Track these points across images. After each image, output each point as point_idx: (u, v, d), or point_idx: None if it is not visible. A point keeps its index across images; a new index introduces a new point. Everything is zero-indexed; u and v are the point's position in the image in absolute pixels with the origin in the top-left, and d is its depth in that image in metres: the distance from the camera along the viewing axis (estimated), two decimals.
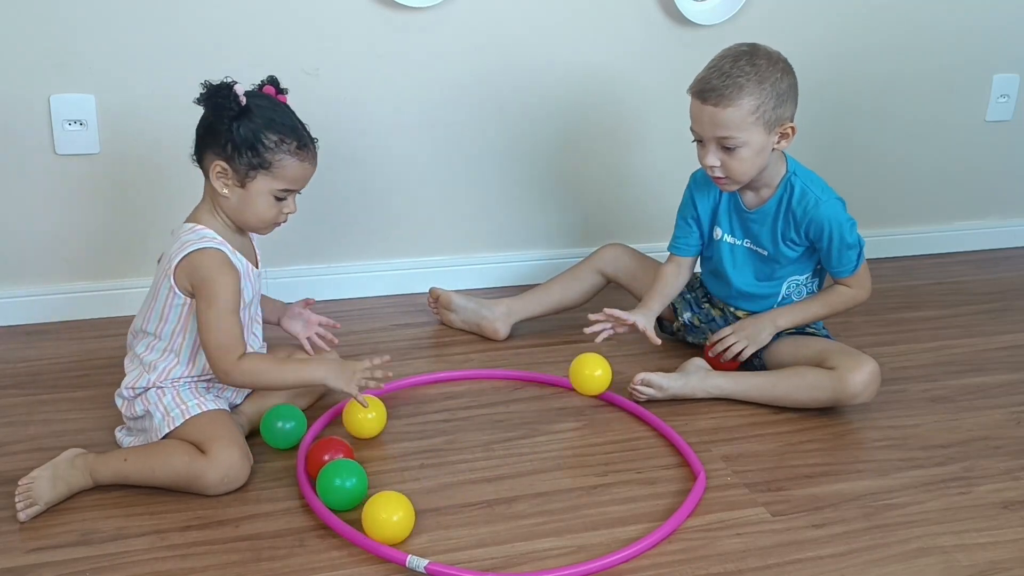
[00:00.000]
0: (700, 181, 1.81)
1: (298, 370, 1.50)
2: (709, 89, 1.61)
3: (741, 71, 1.60)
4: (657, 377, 1.70)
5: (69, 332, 1.91)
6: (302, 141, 1.48)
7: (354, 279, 2.12)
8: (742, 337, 1.75)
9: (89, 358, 1.81)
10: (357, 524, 1.33)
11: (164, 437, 1.45)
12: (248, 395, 1.60)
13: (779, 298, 1.79)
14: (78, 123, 1.84)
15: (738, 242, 1.78)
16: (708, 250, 1.84)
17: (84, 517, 1.37)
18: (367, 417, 1.56)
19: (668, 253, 1.85)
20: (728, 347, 1.76)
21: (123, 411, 1.53)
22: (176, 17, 1.84)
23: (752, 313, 1.80)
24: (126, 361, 1.54)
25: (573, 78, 2.10)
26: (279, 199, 1.49)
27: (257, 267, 1.58)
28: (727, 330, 1.78)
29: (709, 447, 1.59)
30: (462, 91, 2.04)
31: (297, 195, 1.53)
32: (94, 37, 1.81)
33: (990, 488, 1.51)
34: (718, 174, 1.67)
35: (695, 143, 1.69)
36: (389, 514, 1.31)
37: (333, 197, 2.04)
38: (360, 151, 2.03)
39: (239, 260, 1.50)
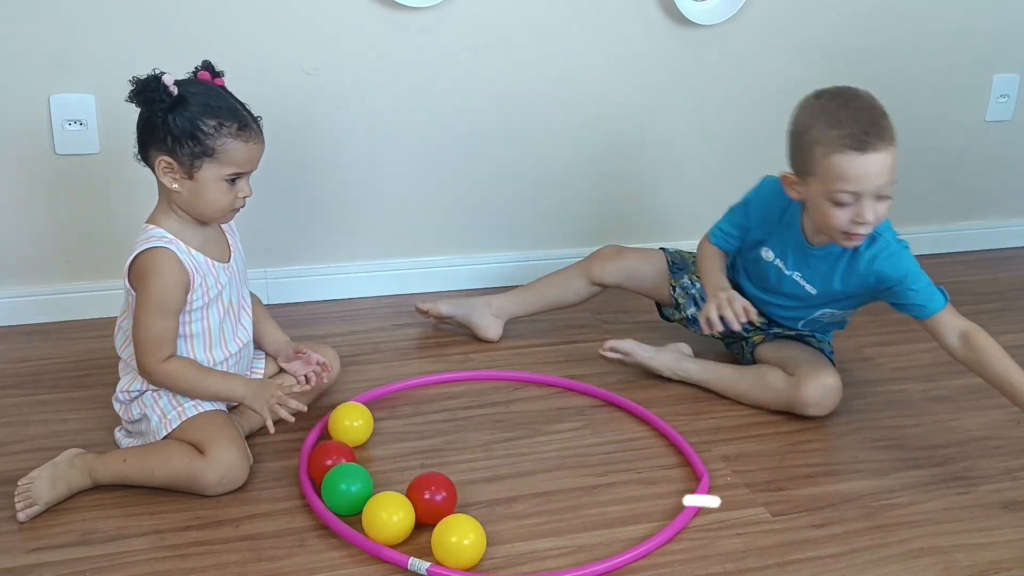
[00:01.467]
0: (771, 203, 1.68)
1: (220, 384, 1.46)
2: (873, 134, 1.50)
3: (878, 110, 1.54)
4: (627, 344, 1.75)
5: (69, 332, 1.91)
6: (242, 121, 1.44)
7: (354, 279, 2.12)
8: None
9: (89, 358, 1.81)
10: (359, 525, 1.33)
11: (163, 439, 1.45)
12: None
13: (810, 318, 1.74)
14: (78, 123, 1.84)
15: (787, 272, 1.69)
16: (752, 261, 1.75)
17: (84, 517, 1.37)
18: (353, 424, 1.54)
19: (706, 235, 1.78)
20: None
21: (121, 415, 1.53)
22: (176, 17, 1.84)
23: (777, 318, 1.76)
24: (120, 365, 1.54)
25: (573, 78, 2.10)
26: (231, 183, 1.45)
27: (228, 260, 1.53)
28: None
29: (709, 447, 1.59)
30: (462, 91, 2.04)
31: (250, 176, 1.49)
32: (94, 37, 1.81)
33: (990, 488, 1.51)
34: (869, 229, 1.54)
35: (836, 207, 1.52)
36: (390, 514, 1.31)
37: (333, 197, 2.04)
38: (360, 151, 2.03)
39: (194, 257, 1.45)
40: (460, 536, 1.29)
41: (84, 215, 1.91)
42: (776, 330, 1.78)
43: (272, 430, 1.45)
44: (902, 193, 2.44)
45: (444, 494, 1.36)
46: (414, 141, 2.05)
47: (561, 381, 1.76)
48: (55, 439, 1.55)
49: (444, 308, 1.93)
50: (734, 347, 1.86)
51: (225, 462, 1.40)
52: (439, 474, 1.40)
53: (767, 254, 1.71)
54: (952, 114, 2.40)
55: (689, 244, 1.88)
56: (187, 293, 1.44)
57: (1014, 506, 1.47)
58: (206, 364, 1.49)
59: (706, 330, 1.65)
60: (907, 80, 2.32)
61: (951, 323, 1.58)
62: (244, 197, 1.48)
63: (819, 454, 1.59)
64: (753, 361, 1.78)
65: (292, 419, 1.46)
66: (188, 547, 1.32)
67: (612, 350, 1.76)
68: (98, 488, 1.42)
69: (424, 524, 1.34)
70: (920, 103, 2.35)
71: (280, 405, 1.44)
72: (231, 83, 1.82)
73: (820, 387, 1.64)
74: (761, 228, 1.71)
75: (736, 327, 1.61)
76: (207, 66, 1.49)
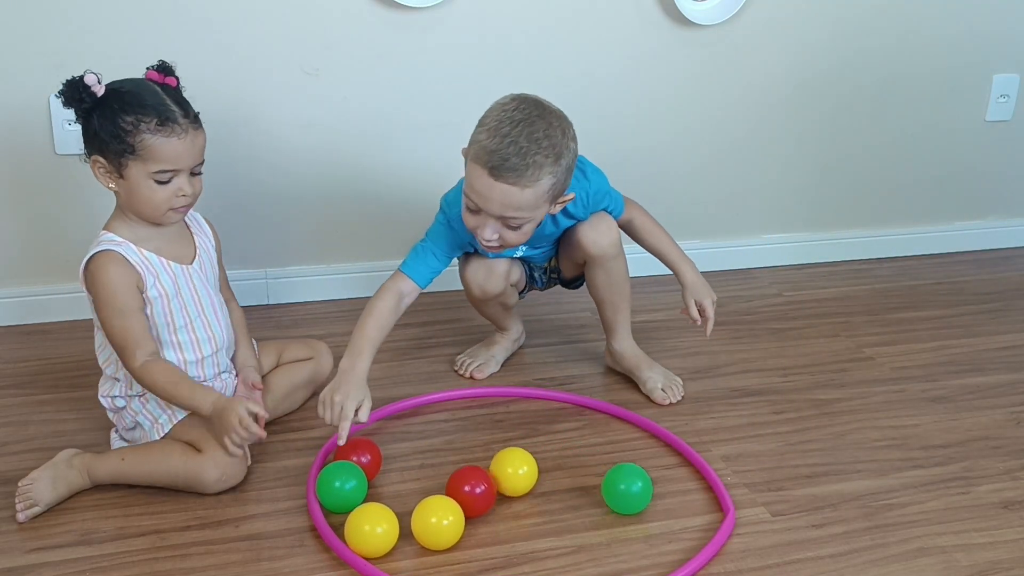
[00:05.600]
0: (449, 227, 1.62)
1: (189, 396, 1.41)
2: (508, 167, 1.41)
3: (539, 146, 1.43)
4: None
5: (69, 332, 1.91)
6: (164, 117, 1.37)
7: (353, 279, 2.12)
8: (709, 298, 1.71)
9: (89, 358, 1.79)
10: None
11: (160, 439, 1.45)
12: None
13: (556, 239, 1.72)
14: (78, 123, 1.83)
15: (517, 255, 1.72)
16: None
17: (84, 517, 1.37)
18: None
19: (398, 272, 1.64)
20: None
21: (115, 422, 1.52)
22: (176, 17, 1.84)
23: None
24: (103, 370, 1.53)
25: (572, 78, 2.10)
26: (161, 182, 1.40)
27: (190, 262, 1.49)
28: (705, 302, 1.69)
29: (709, 447, 1.59)
30: (462, 91, 2.04)
31: (195, 174, 1.43)
32: (94, 37, 1.81)
33: (990, 488, 1.51)
34: (493, 245, 1.52)
35: (467, 209, 1.50)
36: (372, 526, 1.29)
37: (332, 197, 2.04)
38: (360, 151, 2.03)
39: (145, 257, 1.43)
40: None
41: (84, 215, 1.91)
42: (539, 257, 1.76)
43: (236, 454, 1.40)
44: (902, 193, 2.46)
45: (484, 487, 1.37)
46: (414, 141, 2.05)
47: (574, 398, 1.73)
48: (55, 439, 1.55)
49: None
50: (536, 287, 1.83)
51: (223, 460, 1.40)
52: (478, 468, 1.41)
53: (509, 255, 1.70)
54: (952, 114, 2.40)
55: (685, 244, 1.87)
56: (141, 292, 1.43)
57: (1014, 506, 1.47)
58: (178, 364, 1.47)
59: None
60: (907, 80, 2.32)
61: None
62: (185, 196, 1.42)
63: (819, 454, 1.59)
64: (564, 281, 1.79)
65: (240, 453, 1.41)
66: (188, 547, 1.32)
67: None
68: (98, 488, 1.42)
69: (469, 518, 1.36)
70: (920, 103, 2.36)
71: (236, 434, 1.38)
72: (231, 84, 1.83)
73: (609, 232, 1.65)
74: (460, 244, 1.65)
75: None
76: (159, 66, 1.45)
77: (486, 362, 1.81)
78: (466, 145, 1.49)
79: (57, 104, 1.82)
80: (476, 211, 1.49)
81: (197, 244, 1.53)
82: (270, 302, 2.07)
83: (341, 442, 1.43)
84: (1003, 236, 2.56)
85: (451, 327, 2.00)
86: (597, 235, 1.65)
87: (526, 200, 1.44)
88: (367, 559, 1.28)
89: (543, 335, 1.97)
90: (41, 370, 1.77)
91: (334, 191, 2.03)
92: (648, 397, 1.73)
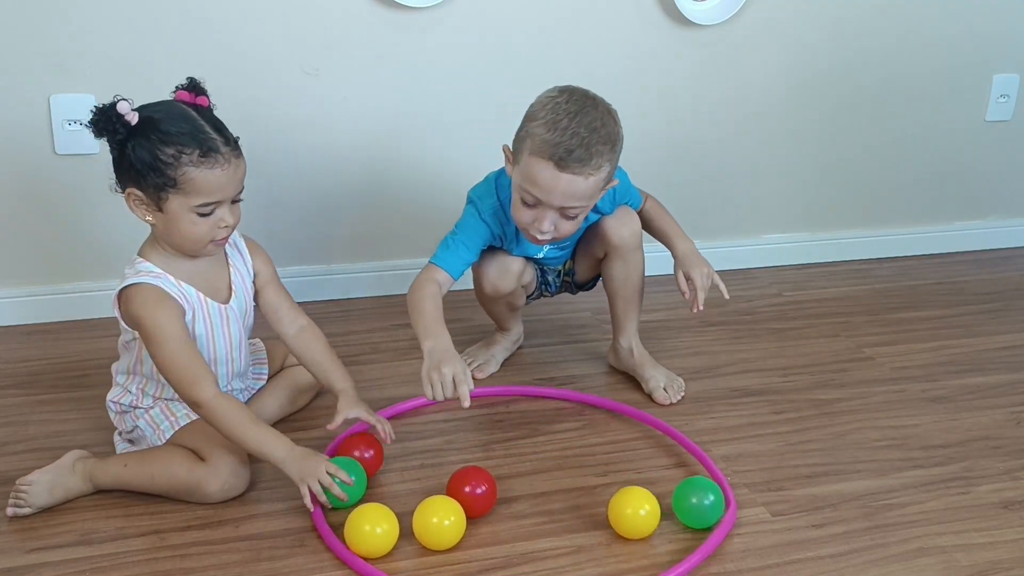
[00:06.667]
0: (489, 217, 1.64)
1: (261, 440, 1.35)
2: (575, 157, 1.44)
3: (598, 135, 1.46)
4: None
5: (69, 332, 1.91)
6: (205, 147, 1.32)
7: (354, 279, 2.12)
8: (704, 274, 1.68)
9: (89, 358, 1.81)
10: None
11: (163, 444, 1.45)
12: (253, 395, 1.60)
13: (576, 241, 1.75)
14: (78, 123, 1.83)
15: (541, 255, 1.73)
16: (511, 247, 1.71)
17: (84, 517, 1.37)
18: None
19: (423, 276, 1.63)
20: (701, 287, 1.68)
21: (116, 424, 1.51)
22: (176, 16, 1.84)
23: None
24: (115, 377, 1.52)
25: (572, 78, 2.09)
26: (204, 215, 1.36)
27: (227, 301, 1.45)
28: (693, 271, 1.66)
29: (709, 447, 1.59)
30: (462, 91, 2.04)
31: (235, 202, 1.39)
32: (94, 37, 1.81)
33: (990, 488, 1.51)
34: (546, 237, 1.54)
35: (522, 203, 1.51)
36: (373, 526, 1.29)
37: (333, 197, 2.04)
38: (360, 151, 2.03)
39: (184, 290, 1.39)
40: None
41: (84, 215, 1.91)
42: (557, 259, 1.76)
43: (311, 507, 1.35)
44: (902, 193, 2.46)
45: (485, 487, 1.37)
46: (414, 141, 2.05)
47: (580, 396, 1.73)
48: (55, 439, 1.55)
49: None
50: (544, 292, 1.82)
51: (225, 469, 1.39)
52: (480, 468, 1.41)
53: (531, 255, 1.71)
54: (952, 114, 2.40)
55: None
56: (183, 316, 1.39)
57: (1014, 506, 1.47)
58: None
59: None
60: (907, 80, 2.32)
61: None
62: (226, 227, 1.38)
63: (819, 454, 1.59)
64: (575, 285, 1.80)
65: (329, 505, 1.36)
66: (188, 547, 1.32)
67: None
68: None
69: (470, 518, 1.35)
70: (920, 103, 2.36)
71: (321, 487, 1.34)
72: (231, 84, 1.83)
73: (632, 223, 1.68)
74: (499, 238, 1.66)
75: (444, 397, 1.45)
76: (189, 85, 1.40)
77: (486, 362, 1.81)
78: (509, 143, 1.52)
79: (57, 104, 1.84)
80: (534, 205, 1.50)
81: (232, 277, 1.48)
82: None
83: (467, 404, 1.42)
84: (1003, 236, 2.56)
85: (451, 327, 1.98)
86: (621, 225, 1.67)
87: (588, 189, 1.48)
88: (367, 559, 1.28)
89: (543, 335, 1.97)
90: (41, 370, 1.77)
91: (334, 191, 2.03)
92: (650, 396, 1.73)
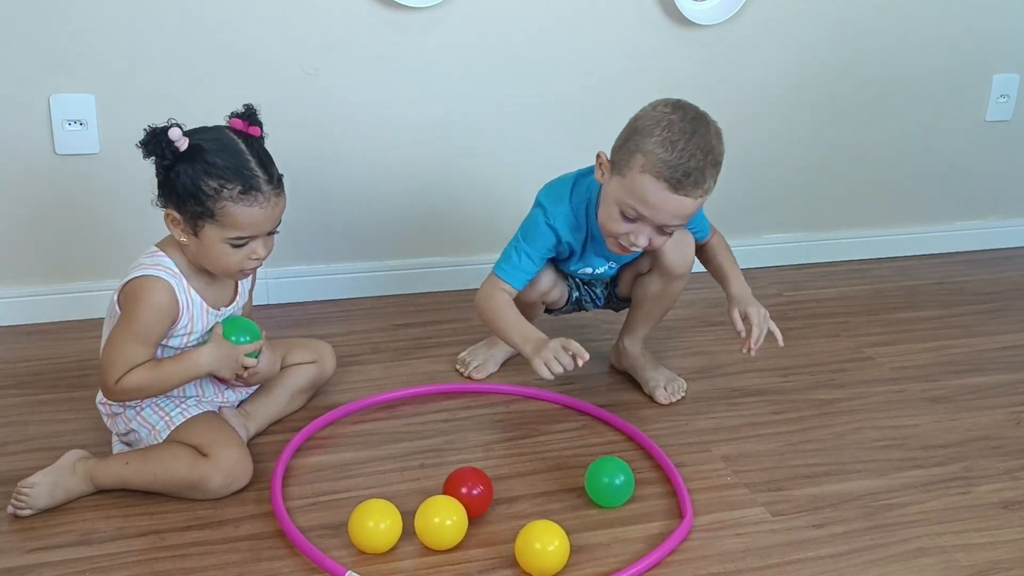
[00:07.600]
0: (570, 219, 1.62)
1: (180, 369, 1.39)
2: (690, 182, 1.43)
3: (709, 158, 1.45)
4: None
5: (69, 332, 1.91)
6: (248, 185, 1.34)
7: (354, 279, 2.12)
8: (762, 315, 1.65)
9: (89, 358, 1.80)
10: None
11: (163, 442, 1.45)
12: (251, 394, 1.60)
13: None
14: (78, 123, 1.84)
15: (602, 269, 1.71)
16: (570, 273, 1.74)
17: (84, 517, 1.37)
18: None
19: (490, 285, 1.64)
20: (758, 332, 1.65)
21: (110, 427, 1.51)
22: (176, 16, 1.84)
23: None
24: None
25: (572, 77, 2.10)
26: (237, 247, 1.38)
27: (228, 304, 1.48)
28: (750, 309, 1.64)
29: (709, 447, 1.59)
30: (462, 91, 2.04)
31: (270, 234, 1.41)
32: (94, 37, 1.81)
33: (990, 488, 1.51)
34: (637, 249, 1.53)
35: (622, 216, 1.49)
36: (376, 522, 1.30)
37: (333, 197, 2.04)
38: (359, 151, 2.03)
39: (191, 298, 1.41)
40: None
41: (83, 215, 1.91)
42: (609, 272, 1.74)
43: (234, 386, 1.48)
44: (902, 193, 2.46)
45: (481, 488, 1.37)
46: (414, 141, 2.05)
47: (556, 397, 1.74)
48: (55, 439, 1.55)
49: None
50: (585, 306, 1.82)
51: (227, 463, 1.40)
52: (476, 469, 1.40)
53: (587, 270, 1.69)
54: (952, 114, 2.40)
55: None
56: (171, 324, 1.40)
57: (1014, 506, 1.47)
58: (174, 393, 1.46)
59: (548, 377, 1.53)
60: (907, 80, 2.32)
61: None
62: (257, 259, 1.41)
63: (819, 454, 1.59)
64: (617, 300, 1.79)
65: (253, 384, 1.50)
66: (188, 547, 1.32)
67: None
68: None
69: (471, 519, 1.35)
70: (920, 103, 2.36)
71: (244, 370, 1.44)
72: (231, 83, 1.83)
73: (688, 251, 1.67)
74: (568, 245, 1.64)
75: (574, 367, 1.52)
76: (245, 113, 1.41)
77: (485, 362, 1.81)
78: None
79: (57, 104, 1.84)
80: (634, 219, 1.49)
81: (239, 286, 1.51)
82: (270, 302, 2.07)
83: (586, 357, 1.49)
84: (1003, 236, 2.56)
85: (452, 327, 2.00)
86: (676, 248, 1.63)
87: (693, 208, 1.48)
88: (369, 554, 1.29)
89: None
90: (41, 370, 1.77)
91: (333, 191, 2.03)
92: (650, 396, 1.73)
